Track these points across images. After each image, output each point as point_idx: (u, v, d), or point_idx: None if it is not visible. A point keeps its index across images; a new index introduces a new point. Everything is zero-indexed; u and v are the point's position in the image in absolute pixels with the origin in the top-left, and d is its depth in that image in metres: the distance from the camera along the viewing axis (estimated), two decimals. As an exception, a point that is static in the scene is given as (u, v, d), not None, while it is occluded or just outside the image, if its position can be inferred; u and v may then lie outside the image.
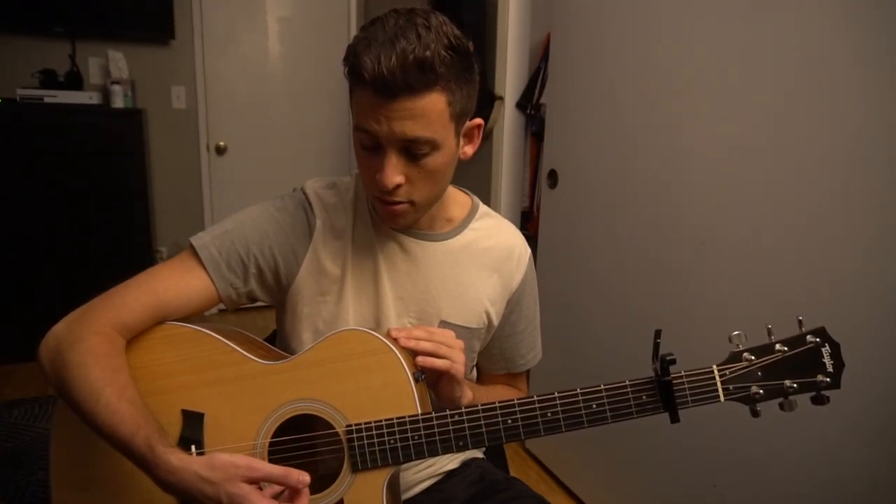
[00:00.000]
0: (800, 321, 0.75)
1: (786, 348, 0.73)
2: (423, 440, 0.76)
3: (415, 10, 0.73)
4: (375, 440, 0.76)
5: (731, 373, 0.74)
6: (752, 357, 0.74)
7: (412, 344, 0.79)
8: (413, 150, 0.74)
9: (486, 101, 2.34)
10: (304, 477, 0.69)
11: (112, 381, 0.72)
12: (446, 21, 0.73)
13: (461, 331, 0.90)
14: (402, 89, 0.69)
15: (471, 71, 0.76)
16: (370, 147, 0.76)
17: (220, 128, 3.44)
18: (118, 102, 2.89)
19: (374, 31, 0.71)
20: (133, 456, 0.69)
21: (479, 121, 0.83)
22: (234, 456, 0.68)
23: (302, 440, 0.79)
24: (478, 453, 1.06)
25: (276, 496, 0.70)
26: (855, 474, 1.13)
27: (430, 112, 0.72)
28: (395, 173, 0.75)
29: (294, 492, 0.70)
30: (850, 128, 1.09)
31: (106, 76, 3.04)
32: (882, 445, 1.09)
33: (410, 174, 0.76)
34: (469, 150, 0.84)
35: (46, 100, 2.70)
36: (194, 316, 0.85)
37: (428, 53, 0.69)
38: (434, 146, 0.75)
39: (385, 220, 0.84)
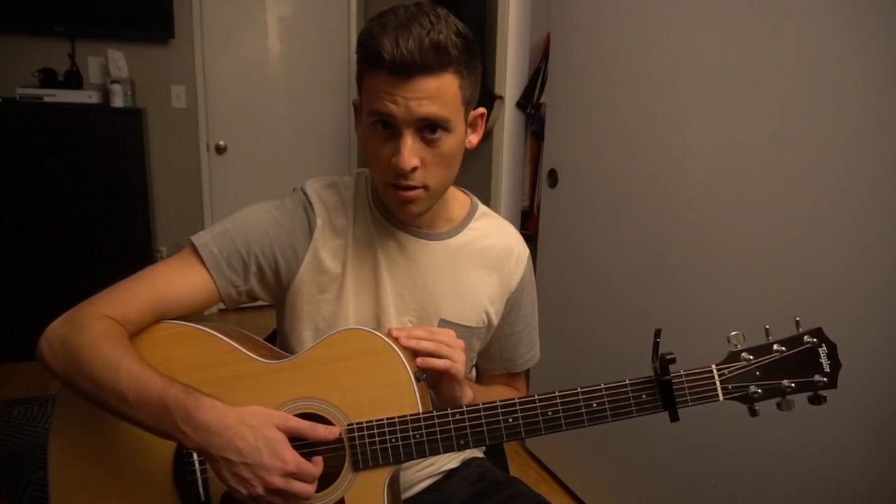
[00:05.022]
0: (797, 322, 0.75)
1: (783, 348, 0.74)
2: (424, 439, 0.76)
3: (421, 3, 0.76)
4: (377, 439, 0.76)
5: (729, 372, 0.74)
6: (751, 357, 0.74)
7: (413, 343, 0.79)
8: (428, 132, 0.76)
9: (487, 101, 2.34)
10: (333, 431, 0.74)
11: (128, 353, 0.74)
12: (450, 13, 0.77)
13: (461, 329, 0.90)
14: (419, 69, 0.72)
15: (476, 59, 0.79)
16: (385, 132, 0.77)
17: (220, 127, 3.44)
18: (118, 102, 2.89)
19: (385, 19, 0.74)
20: (168, 407, 0.69)
21: (482, 110, 0.85)
22: (269, 409, 0.73)
23: (303, 439, 0.79)
24: (478, 452, 1.06)
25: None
26: (855, 474, 1.14)
27: (444, 92, 0.74)
28: (411, 155, 0.76)
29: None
30: (850, 127, 1.10)
31: (105, 75, 3.04)
32: (882, 445, 1.09)
33: (425, 158, 0.77)
34: (474, 139, 0.86)
35: (46, 99, 2.70)
36: (194, 314, 0.85)
37: (442, 37, 0.72)
38: (448, 128, 0.77)
39: (398, 207, 0.83)
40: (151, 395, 0.70)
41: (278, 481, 0.68)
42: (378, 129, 0.77)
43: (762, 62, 1.24)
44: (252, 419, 0.70)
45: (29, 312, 2.66)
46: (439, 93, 0.74)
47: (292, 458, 0.69)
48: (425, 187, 0.80)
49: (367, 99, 0.77)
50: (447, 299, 0.90)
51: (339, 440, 0.77)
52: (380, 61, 0.72)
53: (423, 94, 0.73)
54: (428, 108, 0.73)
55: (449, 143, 0.78)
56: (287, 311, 0.90)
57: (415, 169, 0.77)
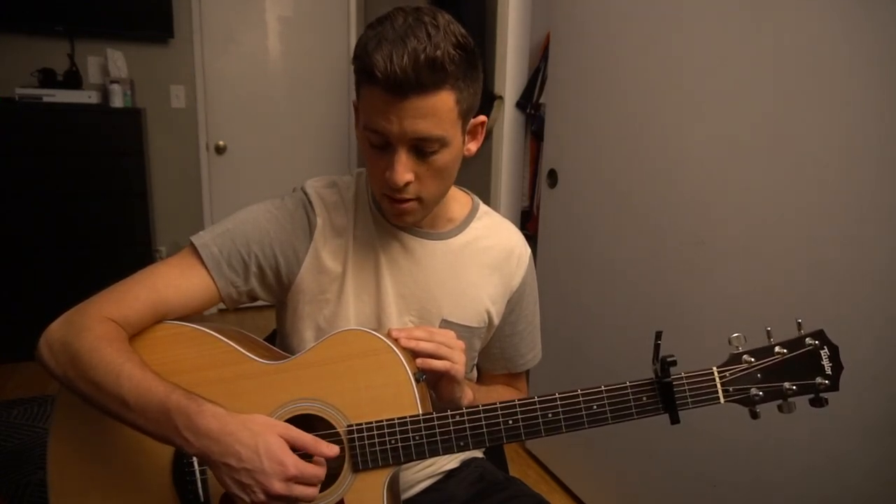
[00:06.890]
0: (799, 323, 0.75)
1: (785, 350, 0.74)
2: (424, 440, 0.76)
3: (421, 9, 0.74)
4: (376, 440, 0.76)
5: (730, 374, 0.74)
6: (752, 359, 0.74)
7: (412, 344, 0.79)
8: (423, 148, 0.75)
9: (486, 101, 2.34)
10: (334, 449, 0.73)
11: (130, 358, 0.73)
12: (452, 20, 0.74)
13: (462, 329, 0.90)
14: (413, 88, 0.70)
15: (476, 69, 0.77)
16: (380, 145, 0.76)
17: (219, 127, 3.44)
18: (117, 102, 2.89)
19: (382, 29, 0.71)
20: (169, 413, 0.69)
21: (482, 118, 0.84)
22: (272, 419, 0.73)
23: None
24: (477, 453, 1.06)
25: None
26: (856, 475, 1.14)
27: (439, 110, 0.73)
28: (405, 171, 0.75)
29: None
30: (850, 127, 1.10)
31: (105, 75, 3.04)
32: (884, 446, 1.09)
33: (419, 171, 0.77)
34: (473, 147, 0.85)
35: (45, 99, 2.69)
36: (194, 315, 0.85)
37: (438, 53, 0.69)
38: (443, 144, 0.76)
39: (393, 217, 0.85)
40: (153, 400, 0.70)
41: (279, 486, 0.68)
42: (373, 142, 0.77)
43: (762, 62, 1.24)
44: (254, 426, 0.69)
45: (29, 312, 2.66)
46: (434, 110, 0.72)
47: (292, 462, 0.68)
48: (419, 199, 0.80)
49: (363, 111, 0.76)
50: (448, 299, 0.90)
51: (339, 442, 0.77)
52: (374, 78, 0.70)
53: (418, 113, 0.71)
54: (422, 126, 0.72)
55: (444, 157, 0.77)
56: (288, 311, 0.90)
57: (408, 183, 0.77)
